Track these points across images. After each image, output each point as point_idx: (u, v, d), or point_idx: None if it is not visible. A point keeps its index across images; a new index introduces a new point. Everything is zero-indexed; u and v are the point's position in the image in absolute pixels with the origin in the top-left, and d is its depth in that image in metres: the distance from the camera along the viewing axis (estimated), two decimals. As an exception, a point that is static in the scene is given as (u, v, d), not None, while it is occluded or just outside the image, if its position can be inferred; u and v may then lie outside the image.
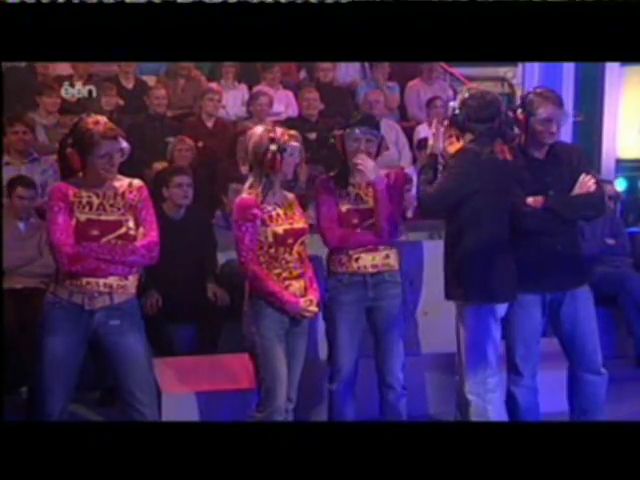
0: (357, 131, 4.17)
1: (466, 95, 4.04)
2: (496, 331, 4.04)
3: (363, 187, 4.22)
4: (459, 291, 4.03)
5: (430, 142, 4.16)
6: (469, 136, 4.01)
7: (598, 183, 4.20)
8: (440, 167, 4.06)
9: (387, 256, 4.22)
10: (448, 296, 4.12)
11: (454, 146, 4.08)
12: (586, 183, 4.12)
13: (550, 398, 4.33)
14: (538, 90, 4.19)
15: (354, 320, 4.20)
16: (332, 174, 4.30)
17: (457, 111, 4.01)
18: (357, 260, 4.18)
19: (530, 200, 4.06)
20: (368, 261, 4.18)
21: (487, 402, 4.00)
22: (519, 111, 4.12)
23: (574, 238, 4.26)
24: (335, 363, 4.23)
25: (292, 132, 3.98)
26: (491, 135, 4.00)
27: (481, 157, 3.97)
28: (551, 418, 4.17)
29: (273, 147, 3.87)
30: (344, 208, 4.20)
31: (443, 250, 4.12)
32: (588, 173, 4.18)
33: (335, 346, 4.22)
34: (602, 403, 4.30)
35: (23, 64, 7.36)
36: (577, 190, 4.12)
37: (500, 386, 4.11)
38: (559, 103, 4.11)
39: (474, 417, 4.00)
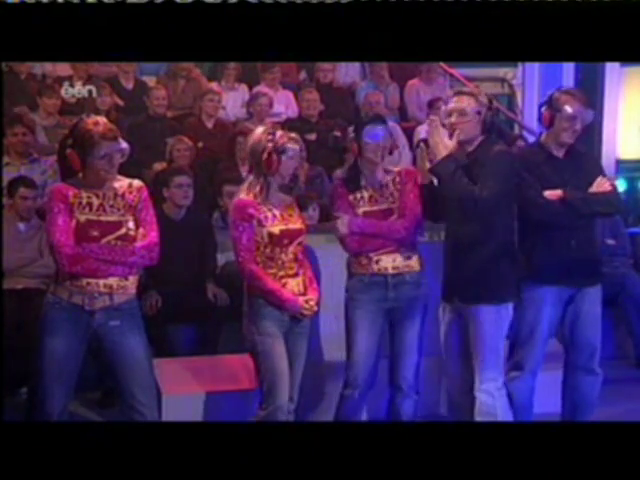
0: (377, 138, 4.13)
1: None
2: (506, 330, 4.08)
3: (376, 188, 4.20)
4: (479, 292, 4.02)
5: (448, 143, 4.03)
6: (481, 136, 4.04)
7: (614, 185, 4.27)
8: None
9: (409, 257, 4.18)
10: (463, 298, 4.09)
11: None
12: (603, 184, 4.19)
13: (549, 398, 4.35)
14: (564, 89, 4.25)
15: (373, 320, 4.15)
16: (342, 177, 4.27)
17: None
18: (378, 262, 4.14)
19: (547, 193, 4.11)
20: (389, 263, 4.15)
21: (496, 399, 4.02)
22: (544, 108, 4.18)
23: (590, 236, 4.28)
24: (352, 367, 4.16)
25: (292, 135, 3.98)
26: (496, 135, 4.07)
27: (513, 156, 4.05)
28: (549, 418, 4.18)
29: (270, 147, 3.88)
30: (361, 211, 4.16)
31: (457, 252, 4.09)
32: (604, 176, 4.24)
33: (353, 348, 4.15)
34: (594, 402, 4.34)
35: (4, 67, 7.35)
36: (594, 189, 4.17)
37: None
38: (584, 102, 4.17)
39: (481, 415, 4.01)
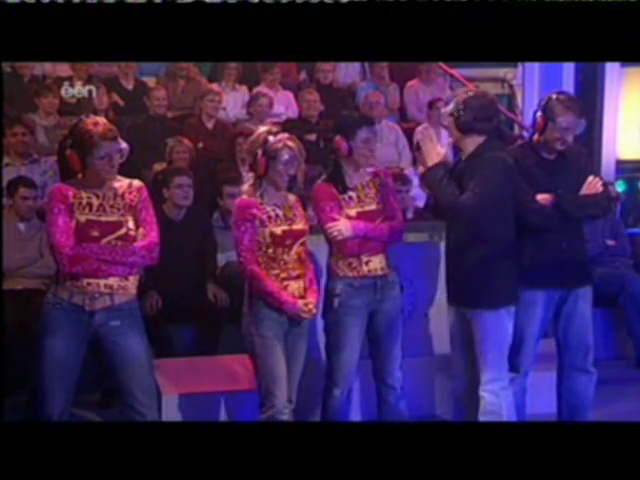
0: (371, 140, 4.13)
1: (470, 94, 4.02)
2: (510, 331, 4.07)
3: (359, 188, 4.19)
4: (475, 298, 4.01)
5: (441, 150, 4.00)
6: (472, 138, 3.99)
7: (605, 184, 4.26)
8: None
9: (388, 257, 4.22)
10: (463, 303, 4.08)
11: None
12: (595, 184, 4.18)
13: (542, 399, 4.38)
14: (561, 97, 4.17)
15: (362, 324, 4.17)
16: (327, 180, 4.20)
17: (461, 112, 3.94)
18: (367, 264, 4.14)
19: (539, 197, 4.10)
20: (377, 264, 4.16)
21: (502, 399, 4.02)
22: (538, 114, 4.15)
23: (579, 237, 4.30)
24: (341, 369, 4.17)
25: (289, 142, 3.93)
26: (496, 136, 4.02)
27: (508, 162, 3.98)
28: (544, 419, 4.19)
29: (260, 152, 3.88)
30: (353, 212, 4.13)
31: (454, 256, 4.09)
32: (595, 175, 4.23)
33: (343, 351, 4.15)
34: (590, 402, 4.35)
35: (8, 68, 7.36)
36: (585, 190, 4.17)
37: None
38: (579, 113, 4.13)
39: (486, 414, 4.00)
